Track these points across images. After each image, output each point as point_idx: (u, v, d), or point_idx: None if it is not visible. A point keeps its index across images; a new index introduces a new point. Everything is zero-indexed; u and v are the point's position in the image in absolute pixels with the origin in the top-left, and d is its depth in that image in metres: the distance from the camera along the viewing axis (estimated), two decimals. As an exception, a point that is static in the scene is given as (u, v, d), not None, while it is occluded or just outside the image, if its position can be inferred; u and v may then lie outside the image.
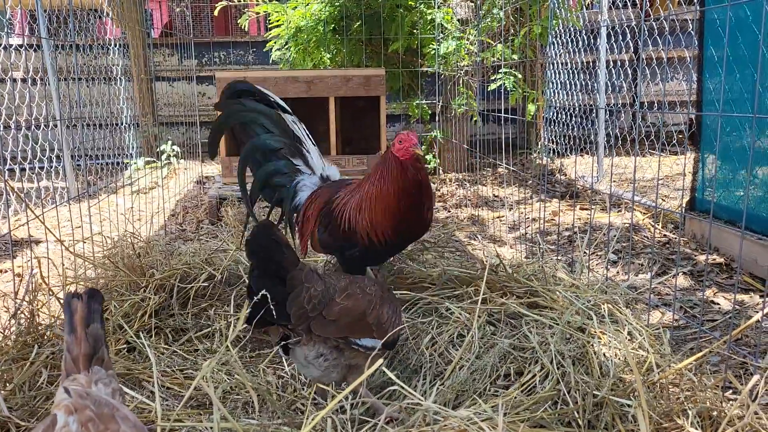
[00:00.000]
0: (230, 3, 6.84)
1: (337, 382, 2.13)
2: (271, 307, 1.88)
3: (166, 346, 2.68)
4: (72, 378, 1.51)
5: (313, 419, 1.50)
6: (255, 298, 1.89)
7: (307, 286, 1.98)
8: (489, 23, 5.95)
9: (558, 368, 2.10)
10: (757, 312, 2.88)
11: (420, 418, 1.84)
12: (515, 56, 5.91)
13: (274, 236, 1.97)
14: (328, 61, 6.38)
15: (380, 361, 1.58)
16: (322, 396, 2.18)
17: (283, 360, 2.57)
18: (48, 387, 2.28)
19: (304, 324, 1.98)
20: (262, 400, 2.19)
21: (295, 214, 2.89)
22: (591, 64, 6.54)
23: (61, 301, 2.78)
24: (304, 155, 2.91)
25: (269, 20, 6.68)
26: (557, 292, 2.66)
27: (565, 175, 6.65)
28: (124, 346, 2.64)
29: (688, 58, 5.12)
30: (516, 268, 2.96)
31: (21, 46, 6.10)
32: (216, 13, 7.37)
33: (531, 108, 6.37)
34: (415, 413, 1.92)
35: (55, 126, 5.90)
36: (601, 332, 2.34)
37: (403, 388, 1.71)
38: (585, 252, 3.76)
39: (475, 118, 6.46)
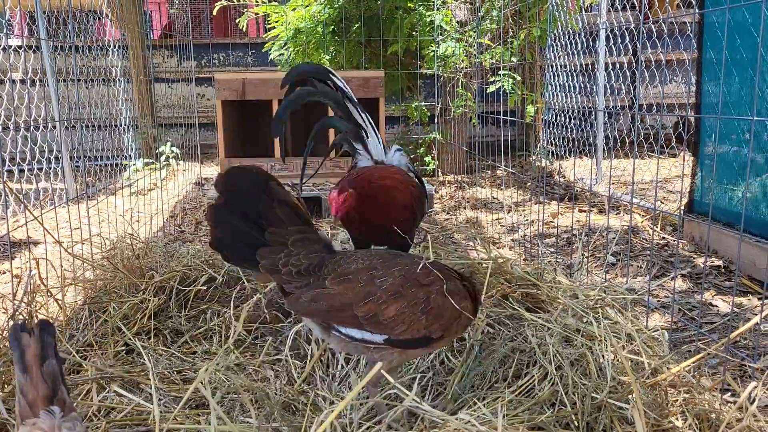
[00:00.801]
0: (229, 3, 6.84)
1: (338, 350, 2.11)
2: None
3: (164, 348, 2.67)
4: (32, 423, 1.35)
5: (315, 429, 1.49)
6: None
7: (291, 250, 1.94)
8: (488, 25, 5.96)
9: (556, 370, 2.10)
10: (756, 314, 2.89)
11: (419, 422, 1.84)
12: (514, 58, 5.92)
13: (263, 184, 1.95)
14: (327, 62, 6.39)
15: (378, 365, 1.56)
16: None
17: (282, 359, 2.57)
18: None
19: (283, 283, 1.95)
20: (258, 402, 2.19)
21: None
22: (590, 66, 6.55)
23: (60, 302, 2.78)
24: (363, 141, 3.00)
25: (268, 21, 6.69)
26: (558, 294, 2.66)
27: (564, 177, 6.65)
28: (123, 347, 2.65)
29: (687, 61, 5.12)
30: (518, 268, 2.96)
31: (20, 47, 6.10)
32: (215, 12, 7.37)
33: (530, 110, 6.38)
34: (415, 417, 1.92)
35: (54, 127, 5.90)
36: (599, 334, 2.34)
37: (402, 391, 1.71)
38: (583, 254, 3.76)
39: (473, 121, 6.47)
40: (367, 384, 1.77)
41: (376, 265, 1.97)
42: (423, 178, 3.25)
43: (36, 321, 1.49)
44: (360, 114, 3.00)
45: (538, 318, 2.47)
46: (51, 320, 2.71)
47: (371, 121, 3.03)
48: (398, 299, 1.91)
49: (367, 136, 3.00)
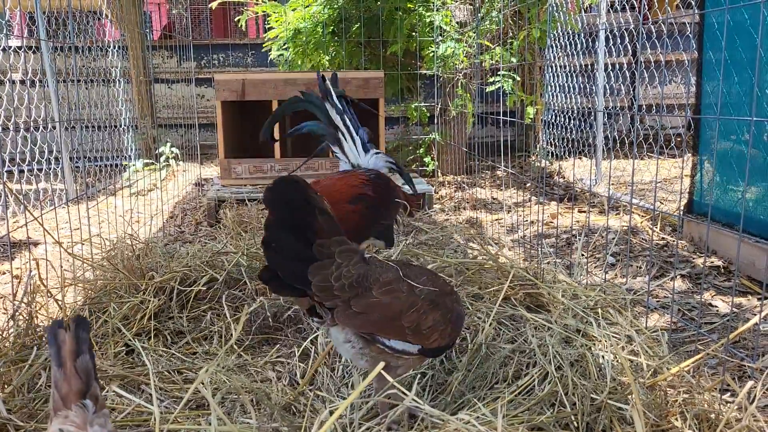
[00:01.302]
0: (229, 0, 6.82)
1: (368, 369, 1.99)
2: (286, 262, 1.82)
3: (165, 349, 2.68)
4: (64, 416, 1.36)
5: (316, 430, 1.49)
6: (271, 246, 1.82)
7: (339, 262, 1.84)
8: (488, 26, 5.96)
9: (556, 371, 2.10)
10: (755, 315, 2.89)
11: (419, 422, 1.84)
12: (514, 59, 5.92)
13: (305, 193, 1.84)
14: (327, 63, 6.39)
15: (381, 364, 1.55)
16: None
17: (284, 360, 2.57)
18: (47, 389, 2.28)
19: (329, 301, 1.85)
20: (257, 403, 2.19)
21: None
22: (589, 67, 6.55)
23: (59, 303, 2.78)
24: (341, 144, 3.12)
25: (268, 22, 6.69)
26: (558, 295, 2.66)
27: (564, 177, 6.66)
28: (123, 348, 2.65)
29: (686, 62, 5.13)
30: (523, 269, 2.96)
31: (20, 47, 6.10)
32: (213, 6, 7.35)
33: (530, 111, 6.39)
34: (414, 417, 1.92)
35: (54, 128, 5.90)
36: (599, 335, 2.34)
37: (401, 391, 1.71)
38: (583, 254, 3.76)
39: (470, 121, 6.48)
40: (369, 385, 1.77)
41: (408, 274, 1.95)
42: (422, 179, 3.28)
43: (71, 318, 1.50)
44: (342, 117, 3.10)
45: (539, 318, 2.48)
46: (51, 320, 2.72)
47: (354, 125, 3.12)
48: (434, 309, 1.92)
49: (345, 141, 3.11)
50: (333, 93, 3.12)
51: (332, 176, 3.02)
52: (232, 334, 2.58)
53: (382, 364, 1.56)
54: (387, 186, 3.01)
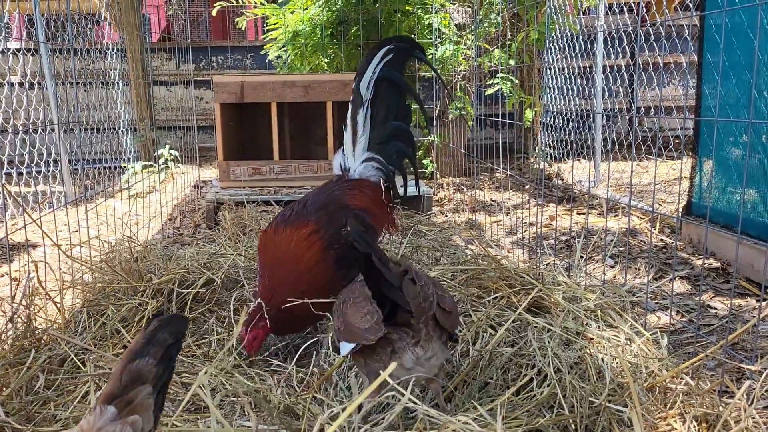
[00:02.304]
0: (228, 4, 6.85)
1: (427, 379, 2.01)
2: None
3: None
4: (84, 419, 1.26)
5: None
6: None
7: (418, 282, 1.90)
8: (486, 28, 5.97)
9: (556, 373, 2.10)
10: (754, 316, 2.89)
11: (418, 423, 1.84)
12: (512, 61, 5.93)
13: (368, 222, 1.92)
14: (326, 65, 6.40)
15: (393, 364, 1.56)
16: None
17: (285, 362, 2.57)
18: (45, 392, 2.28)
19: (424, 318, 1.89)
20: (256, 406, 2.19)
21: None
22: (588, 69, 6.56)
23: (58, 305, 2.78)
24: (344, 141, 2.94)
25: (267, 24, 6.70)
26: (559, 297, 2.66)
27: (563, 179, 6.66)
28: (121, 350, 2.64)
29: (685, 64, 5.14)
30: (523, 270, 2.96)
31: (19, 50, 6.10)
32: (214, 13, 7.37)
33: (528, 114, 6.39)
34: (412, 418, 1.92)
35: (53, 130, 5.90)
36: (599, 337, 2.34)
37: (400, 391, 1.71)
38: (582, 256, 3.76)
39: (469, 123, 6.48)
40: (373, 391, 1.77)
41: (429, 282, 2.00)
42: (421, 181, 3.19)
43: (171, 314, 1.38)
44: (356, 110, 2.89)
45: (539, 320, 2.47)
46: (50, 323, 2.72)
47: (354, 122, 2.90)
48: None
49: (345, 131, 2.92)
50: (365, 80, 2.85)
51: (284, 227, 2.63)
52: (231, 337, 2.58)
53: (393, 364, 1.55)
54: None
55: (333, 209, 2.67)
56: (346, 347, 1.94)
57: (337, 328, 2.01)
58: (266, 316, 2.46)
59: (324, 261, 2.54)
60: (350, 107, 2.92)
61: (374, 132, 2.91)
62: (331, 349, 2.47)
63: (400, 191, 3.08)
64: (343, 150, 2.93)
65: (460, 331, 2.51)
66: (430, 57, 6.25)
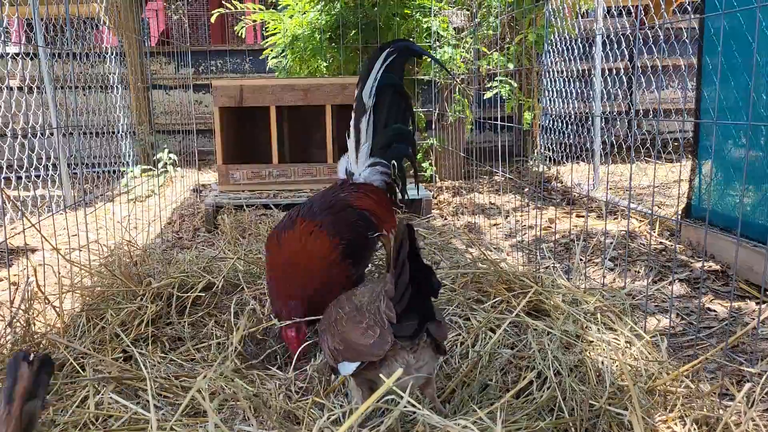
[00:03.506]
0: (227, 11, 6.86)
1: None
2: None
3: (162, 355, 2.67)
4: None
5: None
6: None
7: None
8: (485, 31, 5.98)
9: (555, 376, 2.10)
10: (754, 319, 2.89)
11: (417, 426, 1.84)
12: (511, 64, 5.94)
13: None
14: (324, 69, 6.40)
15: (399, 371, 1.55)
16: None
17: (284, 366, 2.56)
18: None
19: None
20: (256, 410, 2.18)
21: None
22: (586, 72, 6.57)
23: (57, 309, 2.77)
24: (348, 146, 2.99)
25: (266, 28, 6.71)
26: (559, 300, 2.66)
27: (562, 182, 6.67)
28: (121, 354, 2.64)
29: (683, 66, 5.15)
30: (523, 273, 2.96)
31: (18, 54, 6.10)
32: (213, 20, 7.39)
33: (527, 117, 6.40)
34: (410, 422, 1.91)
35: (52, 134, 5.90)
36: (599, 340, 2.34)
37: (399, 394, 1.70)
38: (581, 259, 3.76)
39: (469, 127, 6.49)
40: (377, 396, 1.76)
41: None
42: (420, 184, 3.20)
43: (38, 355, 1.42)
44: (359, 117, 2.94)
45: (538, 323, 2.47)
46: (49, 327, 2.71)
47: (357, 129, 2.96)
48: None
49: (348, 138, 2.98)
50: (368, 88, 2.90)
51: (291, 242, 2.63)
52: (230, 342, 2.58)
53: (399, 371, 1.55)
54: (366, 226, 2.75)
55: (338, 209, 2.74)
56: (348, 367, 1.88)
57: (334, 349, 1.94)
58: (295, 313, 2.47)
59: (334, 257, 2.58)
60: (353, 115, 2.97)
61: (377, 137, 2.98)
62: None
63: (403, 194, 3.14)
64: (348, 155, 3.00)
65: (459, 334, 2.51)
66: (429, 61, 6.25)
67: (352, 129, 2.98)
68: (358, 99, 2.96)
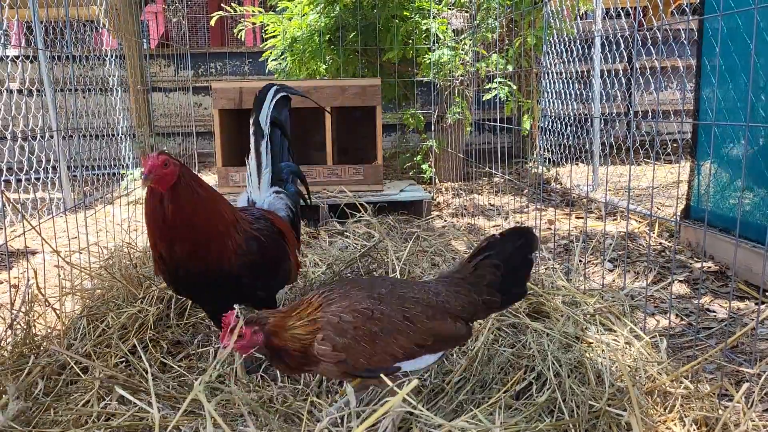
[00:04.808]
0: (226, 14, 6.87)
1: None
2: None
3: (163, 358, 2.67)
4: None
5: None
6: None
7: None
8: (484, 33, 5.99)
9: (555, 377, 2.10)
10: (753, 320, 2.90)
11: (416, 428, 1.84)
12: (510, 66, 5.94)
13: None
14: (324, 71, 6.41)
15: (415, 381, 1.61)
16: None
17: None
18: (44, 398, 2.28)
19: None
20: (254, 414, 2.19)
21: None
22: (585, 73, 6.58)
23: (57, 312, 2.78)
24: (249, 170, 2.98)
25: (265, 31, 6.71)
26: (558, 303, 2.66)
27: (561, 184, 6.67)
28: (122, 360, 2.64)
29: (682, 68, 5.16)
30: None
31: (17, 57, 6.11)
32: (212, 23, 7.40)
33: (526, 118, 6.40)
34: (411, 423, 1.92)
35: (52, 137, 5.90)
36: (598, 341, 2.34)
37: (397, 392, 1.71)
38: (581, 260, 3.77)
39: (468, 128, 6.49)
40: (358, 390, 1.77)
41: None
42: (419, 185, 3.15)
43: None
44: (258, 143, 2.95)
45: (538, 326, 2.48)
46: (49, 329, 2.71)
47: (268, 157, 2.97)
48: None
49: (248, 164, 2.97)
50: (264, 114, 2.95)
51: None
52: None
53: (415, 382, 1.59)
54: (272, 245, 2.66)
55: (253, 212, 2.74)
56: (427, 359, 2.03)
57: (414, 346, 1.97)
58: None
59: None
60: (253, 138, 2.97)
61: (275, 167, 2.99)
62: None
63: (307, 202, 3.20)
64: (250, 181, 2.95)
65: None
66: (427, 62, 6.26)
67: (253, 152, 2.95)
68: (255, 123, 2.96)
